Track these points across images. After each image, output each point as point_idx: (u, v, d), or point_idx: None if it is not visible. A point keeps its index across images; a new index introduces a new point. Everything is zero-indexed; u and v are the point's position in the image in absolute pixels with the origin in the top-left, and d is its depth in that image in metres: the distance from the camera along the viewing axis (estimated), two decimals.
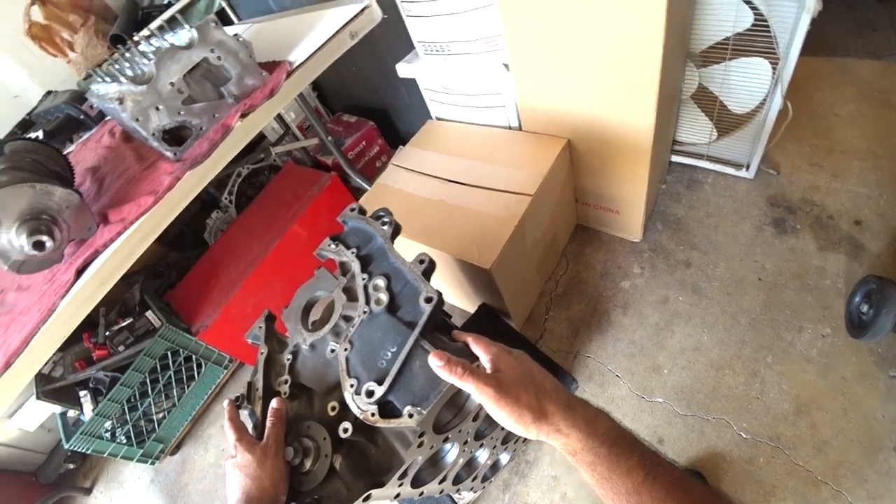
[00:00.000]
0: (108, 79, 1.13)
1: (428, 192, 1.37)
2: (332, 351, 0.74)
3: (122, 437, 1.59)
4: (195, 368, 1.69)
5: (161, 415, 1.67)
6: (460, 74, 1.37)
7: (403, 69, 1.47)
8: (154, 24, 1.89)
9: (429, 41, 1.37)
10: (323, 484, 0.67)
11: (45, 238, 0.84)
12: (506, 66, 1.26)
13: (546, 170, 1.25)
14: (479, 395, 0.50)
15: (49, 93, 2.02)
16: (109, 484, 1.93)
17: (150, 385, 1.59)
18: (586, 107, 1.20)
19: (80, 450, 1.50)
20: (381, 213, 0.83)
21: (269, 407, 0.70)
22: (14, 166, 1.00)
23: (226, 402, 0.72)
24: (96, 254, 0.85)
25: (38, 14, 1.87)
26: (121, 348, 1.51)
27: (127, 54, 1.12)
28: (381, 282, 0.72)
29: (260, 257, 1.64)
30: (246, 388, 0.77)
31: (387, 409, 0.62)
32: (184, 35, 0.98)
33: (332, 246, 0.83)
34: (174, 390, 1.65)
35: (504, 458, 0.92)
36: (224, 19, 2.06)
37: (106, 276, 0.86)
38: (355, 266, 0.77)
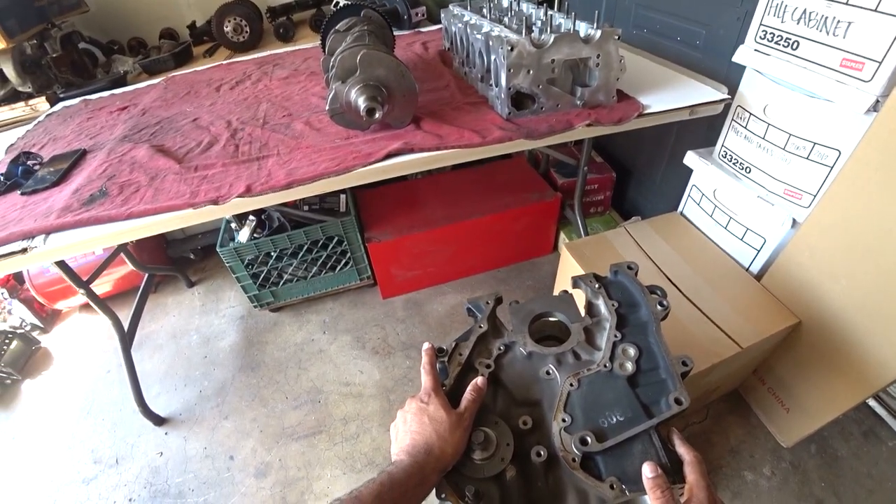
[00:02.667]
0: (471, 13, 1.20)
1: (645, 275, 1.33)
2: (548, 373, 0.73)
3: (252, 270, 1.72)
4: (339, 262, 1.79)
5: (290, 278, 1.79)
6: (741, 199, 1.30)
7: (692, 159, 1.42)
8: None
9: (733, 156, 1.31)
10: (483, 481, 0.66)
11: (377, 109, 0.91)
12: (794, 221, 1.18)
13: (765, 335, 1.17)
14: None
15: None
16: (209, 293, 2.13)
17: (301, 251, 1.71)
18: (848, 310, 1.09)
19: (224, 258, 1.66)
20: (657, 291, 0.80)
21: (474, 382, 0.70)
22: (372, 31, 1.10)
23: (426, 345, 0.73)
24: (407, 147, 0.91)
25: None
26: (305, 208, 1.64)
27: (491, 3, 1.19)
28: (632, 351, 0.71)
29: (456, 218, 1.72)
30: (450, 346, 0.79)
31: (588, 463, 0.62)
32: (583, 27, 1.02)
33: (595, 285, 0.82)
34: (313, 267, 1.77)
35: None
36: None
37: (396, 170, 0.91)
38: (611, 320, 0.76)
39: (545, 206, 1.82)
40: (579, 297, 0.87)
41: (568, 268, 1.44)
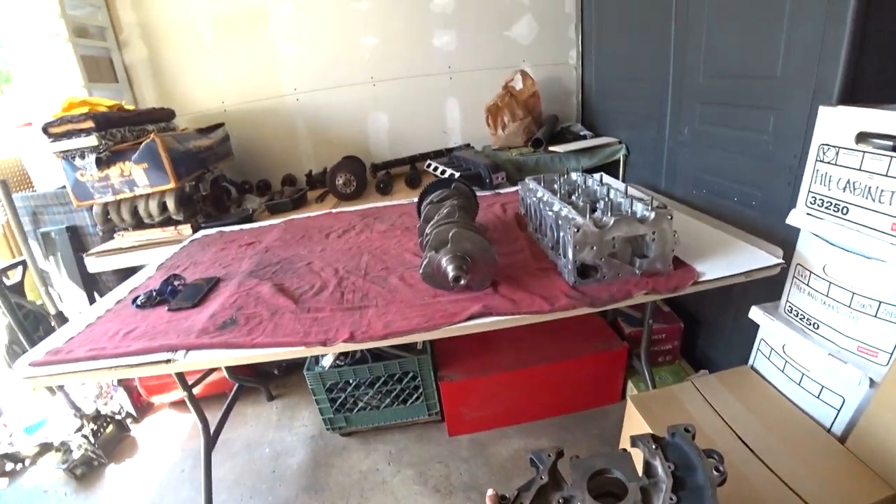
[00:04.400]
0: (542, 186, 1.42)
1: (714, 433, 1.31)
2: None
3: (332, 395, 1.87)
4: (411, 396, 1.90)
5: (364, 406, 1.92)
6: (812, 356, 1.28)
7: (756, 314, 1.46)
8: (566, 147, 2.32)
9: (799, 311, 1.34)
10: None
11: (463, 276, 1.09)
12: (871, 380, 1.15)
13: None
14: None
15: (468, 145, 2.64)
16: (286, 408, 2.28)
17: (378, 382, 1.85)
18: None
19: (308, 380, 1.83)
20: (714, 456, 0.83)
21: None
22: (462, 206, 1.33)
23: (491, 492, 0.81)
24: (486, 311, 1.07)
25: (500, 99, 2.45)
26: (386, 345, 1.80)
27: (562, 179, 1.40)
28: None
29: (524, 364, 1.82)
30: (512, 494, 0.85)
31: None
32: (640, 207, 1.18)
33: (652, 446, 0.87)
34: (387, 398, 1.89)
35: None
36: (611, 171, 2.41)
37: (476, 328, 1.07)
38: (667, 482, 0.79)
39: (612, 355, 1.88)
40: (638, 456, 0.91)
41: (633, 421, 1.44)
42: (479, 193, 2.00)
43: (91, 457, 2.07)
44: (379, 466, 1.87)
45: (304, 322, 1.17)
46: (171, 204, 2.14)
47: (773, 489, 1.15)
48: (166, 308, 1.38)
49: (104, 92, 2.43)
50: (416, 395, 1.89)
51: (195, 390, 2.12)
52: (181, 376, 1.67)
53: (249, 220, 2.27)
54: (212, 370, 1.91)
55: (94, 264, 2.14)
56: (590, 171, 2.07)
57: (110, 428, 2.17)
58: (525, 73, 2.58)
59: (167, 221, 2.21)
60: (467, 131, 2.83)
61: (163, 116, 2.40)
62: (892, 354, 1.11)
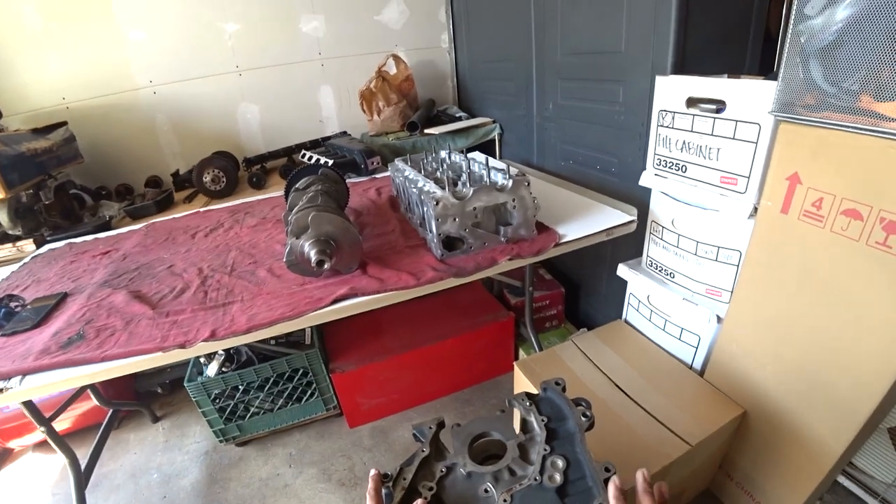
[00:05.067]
0: (410, 166, 1.44)
1: (594, 385, 1.43)
2: (486, 491, 0.80)
3: (219, 404, 1.76)
4: (305, 393, 1.84)
5: (257, 411, 1.82)
6: (671, 302, 1.45)
7: (623, 271, 1.61)
8: (441, 129, 2.36)
9: (658, 264, 1.50)
10: None
11: (326, 260, 1.08)
12: (718, 317, 1.32)
13: (713, 429, 1.24)
14: None
15: (344, 132, 2.59)
16: (174, 427, 2.11)
17: (268, 383, 1.77)
18: (781, 394, 1.19)
19: (191, 393, 1.70)
20: (582, 402, 0.90)
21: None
22: (326, 191, 1.31)
23: (372, 472, 0.82)
24: (352, 292, 1.06)
25: (374, 84, 2.44)
26: (272, 342, 1.73)
27: (430, 157, 1.43)
28: (560, 462, 0.79)
29: (417, 344, 1.84)
30: (395, 471, 0.86)
31: None
32: (499, 177, 1.24)
33: (526, 403, 0.92)
34: (279, 399, 1.82)
35: None
36: (488, 150, 2.50)
37: (344, 311, 1.06)
38: (541, 435, 0.85)
39: (500, 326, 1.96)
40: (517, 416, 0.96)
41: (521, 385, 1.51)
42: (355, 180, 1.98)
43: None
44: (279, 471, 1.80)
45: (161, 327, 1.08)
46: (3, 217, 1.87)
47: (646, 425, 1.28)
48: None
49: None
50: (309, 392, 1.83)
51: (63, 426, 1.90)
52: (34, 409, 1.47)
53: (107, 228, 2.05)
54: (75, 397, 1.71)
55: None
56: (468, 151, 2.13)
57: None
58: (397, 58, 2.58)
59: (2, 238, 1.93)
60: (344, 119, 2.77)
61: None
62: (731, 292, 1.27)
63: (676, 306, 1.44)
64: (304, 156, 2.24)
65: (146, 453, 2.00)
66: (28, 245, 1.92)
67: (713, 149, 1.17)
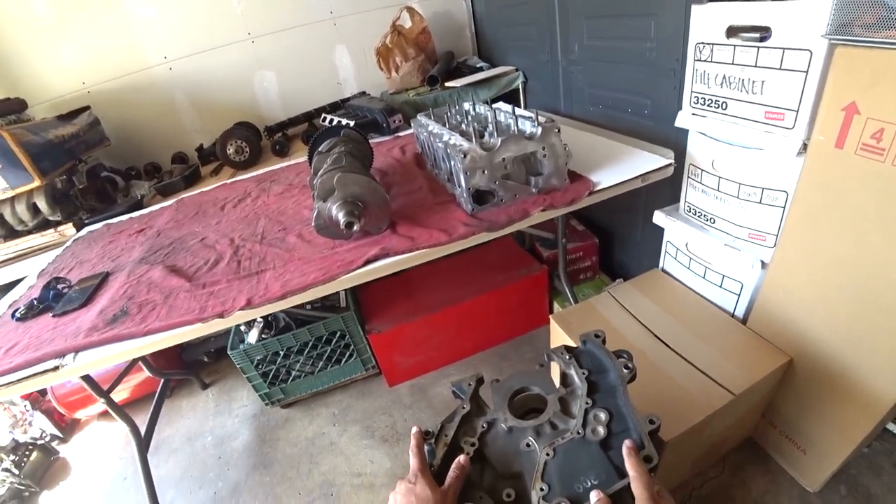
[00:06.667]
0: (433, 120, 1.39)
1: (632, 336, 1.40)
2: (528, 445, 0.80)
3: (262, 369, 1.82)
4: (344, 355, 1.88)
5: (298, 374, 1.88)
6: (711, 249, 1.39)
7: (660, 218, 1.54)
8: (462, 82, 2.27)
9: (697, 209, 1.42)
10: None
11: (355, 222, 1.06)
12: (762, 263, 1.26)
13: (757, 378, 1.20)
14: None
15: (363, 93, 2.52)
16: (221, 393, 2.22)
17: (307, 347, 1.81)
18: (831, 341, 1.14)
19: (234, 360, 1.76)
20: (624, 355, 0.88)
21: (457, 460, 0.77)
22: (349, 151, 1.28)
23: (414, 429, 0.82)
24: (384, 252, 1.04)
25: (390, 40, 2.34)
26: (308, 307, 1.76)
27: (453, 110, 1.37)
28: (602, 415, 0.77)
29: (451, 302, 1.84)
30: (436, 428, 0.87)
31: None
32: (527, 125, 1.18)
33: (566, 356, 0.90)
34: (319, 362, 1.87)
35: None
36: (512, 100, 2.40)
37: (377, 272, 1.04)
38: (582, 388, 0.83)
39: (533, 279, 1.93)
40: (556, 369, 0.95)
41: (558, 338, 1.50)
42: (378, 139, 1.94)
43: (20, 488, 1.93)
44: (324, 430, 1.87)
45: (199, 298, 1.10)
46: (42, 204, 1.92)
47: (688, 375, 1.25)
48: (51, 315, 1.25)
49: None
50: (348, 353, 1.87)
51: (121, 396, 2.01)
52: (93, 382, 1.55)
53: (139, 207, 2.08)
54: (128, 369, 1.79)
55: None
56: (492, 102, 2.05)
57: (35, 455, 2.02)
58: (412, 10, 2.46)
59: (44, 224, 1.99)
60: (362, 79, 2.69)
61: (10, 108, 2.10)
62: (776, 236, 1.20)
63: (717, 252, 1.37)
64: (324, 119, 2.20)
65: (199, 418, 2.11)
66: (69, 229, 1.98)
67: (757, 82, 1.07)
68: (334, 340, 1.81)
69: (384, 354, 1.86)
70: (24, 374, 1.03)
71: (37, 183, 1.84)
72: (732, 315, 1.42)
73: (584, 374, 0.85)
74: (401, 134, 2.03)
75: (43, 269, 1.64)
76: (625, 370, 0.83)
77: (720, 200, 1.32)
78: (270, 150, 2.33)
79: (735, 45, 1.09)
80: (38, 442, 2.08)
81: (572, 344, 1.36)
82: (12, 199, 1.89)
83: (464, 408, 0.90)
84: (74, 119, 2.22)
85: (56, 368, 1.03)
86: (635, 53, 1.60)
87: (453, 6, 2.77)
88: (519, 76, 2.38)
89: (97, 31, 2.36)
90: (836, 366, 1.14)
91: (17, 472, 1.92)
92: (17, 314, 1.29)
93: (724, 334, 1.36)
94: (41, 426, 2.14)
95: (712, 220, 1.38)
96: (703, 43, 1.18)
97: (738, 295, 1.38)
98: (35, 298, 1.33)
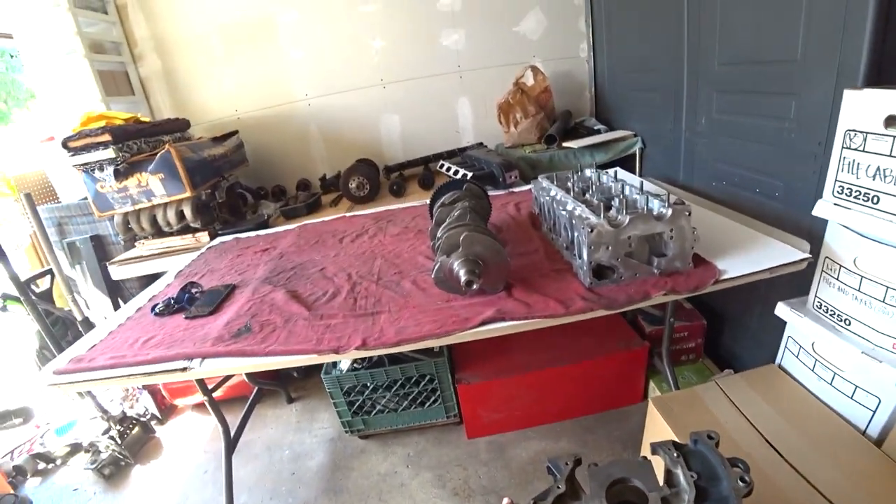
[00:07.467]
0: (556, 185, 1.39)
1: (740, 436, 1.27)
2: None
3: (349, 398, 1.88)
4: (429, 399, 1.90)
5: (382, 409, 1.93)
6: (844, 354, 1.23)
7: (783, 311, 1.41)
8: (580, 143, 2.28)
9: (829, 307, 1.29)
10: None
11: (475, 281, 1.08)
12: None
13: None
14: None
15: (481, 144, 2.62)
16: (305, 411, 2.31)
17: (395, 385, 1.86)
18: None
19: (326, 384, 1.84)
20: (740, 465, 0.80)
21: None
22: (473, 208, 1.31)
23: (506, 501, 0.80)
24: (499, 316, 1.05)
25: (512, 96, 2.43)
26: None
27: (576, 176, 1.37)
28: None
29: (544, 365, 1.82)
30: (529, 503, 0.83)
31: None
32: (656, 204, 1.15)
33: (674, 454, 0.84)
34: (404, 401, 1.90)
35: None
36: (627, 165, 2.36)
37: (490, 333, 1.05)
38: (689, 493, 0.77)
39: (632, 355, 1.85)
40: (659, 464, 0.88)
41: (655, 423, 1.40)
42: (492, 193, 1.98)
43: (118, 457, 2.14)
44: (397, 469, 1.87)
45: (316, 329, 1.17)
46: (188, 212, 2.17)
47: (805, 495, 1.11)
48: (183, 316, 1.40)
49: (121, 105, 2.49)
50: (433, 398, 1.89)
51: (216, 394, 2.17)
52: (201, 381, 1.71)
53: (265, 225, 2.29)
54: (231, 374, 1.94)
55: (117, 272, 2.19)
56: (605, 166, 2.03)
57: (136, 429, 2.24)
58: (536, 69, 2.55)
59: (185, 229, 2.25)
60: (480, 130, 2.81)
61: (178, 127, 2.44)
62: None
63: (852, 360, 1.22)
64: (441, 166, 2.31)
65: (280, 430, 2.21)
66: (204, 237, 2.22)
67: None
68: (423, 383, 1.84)
69: (469, 406, 1.85)
70: (157, 368, 1.15)
71: (188, 194, 2.10)
72: (864, 433, 1.24)
73: (692, 477, 0.78)
74: (515, 190, 2.07)
75: (180, 271, 1.84)
76: (741, 483, 0.75)
77: (860, 302, 1.18)
78: (388, 189, 2.48)
79: (895, 137, 1.00)
80: (141, 419, 2.31)
81: (670, 433, 1.28)
82: (165, 205, 2.16)
83: (558, 488, 0.86)
84: (225, 141, 2.52)
85: (184, 370, 1.13)
86: (771, 132, 1.53)
87: (575, 67, 2.83)
88: (637, 142, 2.34)
89: (255, 66, 2.71)
90: None
91: (119, 442, 2.13)
92: (157, 309, 1.45)
93: (852, 454, 1.19)
94: (145, 404, 2.38)
95: (848, 322, 1.24)
96: (854, 130, 1.09)
97: (874, 412, 1.20)
98: (172, 298, 1.49)
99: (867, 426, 1.23)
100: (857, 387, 1.23)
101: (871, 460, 1.16)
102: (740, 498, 0.74)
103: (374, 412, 1.92)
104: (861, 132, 1.08)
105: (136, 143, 2.08)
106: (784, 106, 1.45)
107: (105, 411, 2.21)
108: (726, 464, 0.80)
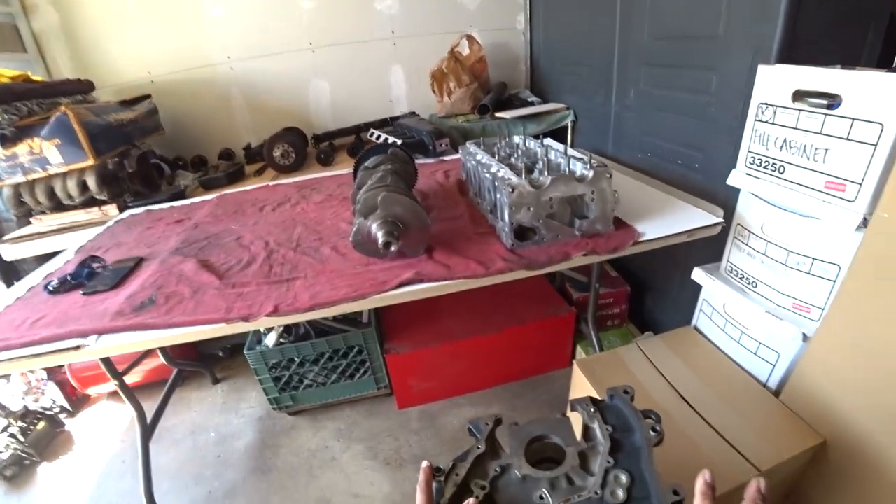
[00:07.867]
0: (482, 149, 1.38)
1: (657, 393, 1.34)
2: (541, 497, 0.75)
3: (276, 374, 1.81)
4: (358, 371, 1.86)
5: (310, 384, 1.87)
6: (750, 314, 1.32)
7: (699, 275, 1.48)
8: (513, 114, 2.27)
9: (739, 271, 1.37)
10: None
11: (393, 242, 1.04)
12: (804, 335, 1.18)
13: (786, 456, 1.12)
14: None
15: (413, 113, 2.55)
16: (231, 391, 2.21)
17: (323, 358, 1.80)
18: (871, 428, 1.05)
19: (250, 360, 1.76)
20: (652, 416, 0.83)
21: (465, 502, 0.73)
22: (395, 171, 1.27)
23: (425, 464, 0.78)
24: (418, 277, 1.02)
25: (446, 65, 2.37)
26: (330, 318, 1.74)
27: (503, 142, 1.36)
28: (624, 478, 0.72)
29: (473, 333, 1.81)
30: (448, 466, 0.82)
31: None
32: (579, 167, 1.16)
33: (591, 409, 0.86)
34: (333, 374, 1.85)
35: None
36: (559, 137, 2.39)
37: (408, 296, 1.02)
38: (605, 445, 0.78)
39: (560, 321, 1.89)
40: (578, 420, 0.90)
41: (580, 385, 1.45)
42: (423, 161, 1.95)
43: (21, 456, 1.95)
44: (328, 444, 1.84)
45: (227, 298, 1.09)
46: (91, 183, 1.98)
47: (712, 443, 1.18)
48: (81, 292, 1.27)
49: (9, 64, 2.19)
50: (363, 370, 1.85)
51: (133, 379, 2.02)
52: (109, 364, 1.57)
53: (181, 196, 2.13)
54: (145, 355, 1.80)
55: (10, 251, 1.97)
56: (537, 138, 2.04)
57: (41, 424, 2.05)
58: (472, 38, 2.50)
59: (90, 202, 2.05)
60: (413, 99, 2.74)
61: (79, 88, 2.20)
62: (823, 310, 1.14)
63: (756, 319, 1.31)
64: (372, 134, 2.23)
65: (205, 413, 2.11)
66: (112, 209, 2.04)
67: (820, 149, 1.03)
68: (351, 355, 1.80)
69: (399, 376, 1.83)
70: (46, 349, 1.04)
71: (90, 162, 1.90)
72: (765, 385, 1.34)
73: (608, 430, 0.80)
74: (445, 158, 2.03)
75: (81, 246, 1.68)
76: (652, 433, 0.78)
77: (765, 265, 1.26)
78: (315, 158, 2.37)
79: (800, 110, 1.06)
80: (47, 412, 2.12)
81: (594, 393, 1.31)
82: (65, 175, 1.95)
83: (478, 448, 0.85)
84: (135, 105, 2.31)
85: (77, 348, 1.03)
86: (693, 106, 1.58)
87: (512, 38, 2.80)
88: (569, 114, 2.37)
89: (170, 25, 2.47)
90: (874, 454, 1.06)
91: (22, 439, 1.94)
92: (50, 287, 1.31)
93: (755, 405, 1.28)
94: (52, 397, 2.17)
95: (754, 285, 1.32)
96: (766, 104, 1.15)
97: (774, 365, 1.30)
98: (69, 274, 1.35)
99: (767, 378, 1.32)
100: (760, 343, 1.32)
101: (769, 409, 1.26)
102: (651, 446, 0.76)
103: (303, 387, 1.86)
104: (772, 105, 1.12)
105: (25, 104, 1.86)
106: (706, 80, 1.50)
107: (2, 407, 2.01)
108: (639, 415, 0.82)
